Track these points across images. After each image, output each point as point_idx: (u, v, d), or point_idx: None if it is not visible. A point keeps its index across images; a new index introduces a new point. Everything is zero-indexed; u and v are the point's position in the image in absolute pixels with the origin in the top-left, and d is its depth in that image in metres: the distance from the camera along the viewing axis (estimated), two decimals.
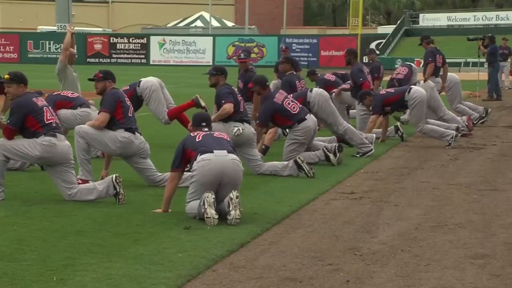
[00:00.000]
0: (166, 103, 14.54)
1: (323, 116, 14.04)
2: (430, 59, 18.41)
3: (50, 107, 9.50)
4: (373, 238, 7.79)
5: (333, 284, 6.25)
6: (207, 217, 8.07)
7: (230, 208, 8.15)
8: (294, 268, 6.67)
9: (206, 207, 8.10)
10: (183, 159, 8.63)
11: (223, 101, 11.63)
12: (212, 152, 8.43)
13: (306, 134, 12.49)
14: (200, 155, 8.42)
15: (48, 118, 9.29)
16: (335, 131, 14.10)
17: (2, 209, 8.73)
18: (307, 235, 7.90)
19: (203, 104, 13.94)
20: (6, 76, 9.34)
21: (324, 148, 12.81)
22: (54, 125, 9.32)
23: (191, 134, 8.81)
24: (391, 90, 16.31)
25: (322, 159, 12.68)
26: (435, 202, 9.85)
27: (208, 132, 8.75)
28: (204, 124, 8.94)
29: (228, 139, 8.83)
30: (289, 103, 12.41)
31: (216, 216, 8.09)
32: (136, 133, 10.30)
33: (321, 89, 14.79)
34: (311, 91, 14.22)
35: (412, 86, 16.17)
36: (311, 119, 12.56)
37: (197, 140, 8.59)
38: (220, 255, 6.96)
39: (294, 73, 16.22)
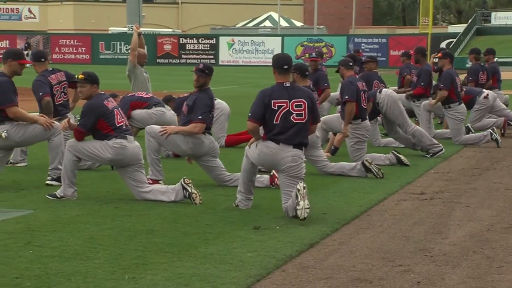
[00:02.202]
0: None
1: (391, 117, 13.94)
2: (470, 78, 18.14)
3: (119, 109, 9.60)
4: (444, 239, 7.70)
5: (403, 285, 6.20)
6: (238, 203, 8.93)
7: (299, 199, 8.15)
8: (364, 269, 6.64)
9: (247, 197, 8.90)
10: (264, 113, 8.55)
11: None
12: (278, 144, 8.53)
13: (366, 132, 12.52)
14: (269, 140, 8.56)
15: (119, 120, 9.40)
16: (404, 132, 13.97)
17: (75, 208, 8.87)
18: (377, 236, 7.85)
19: None
20: (81, 76, 9.49)
21: (394, 151, 12.76)
22: (124, 127, 9.43)
23: (274, 92, 8.57)
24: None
25: (393, 162, 12.59)
26: (508, 203, 9.70)
27: (287, 108, 8.49)
28: (286, 67, 8.66)
29: (306, 117, 8.59)
30: (364, 97, 12.41)
31: (244, 208, 8.87)
32: (206, 133, 10.35)
33: (390, 90, 14.65)
34: (380, 92, 14.13)
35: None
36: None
37: (274, 121, 8.50)
38: (290, 255, 6.96)
39: (377, 72, 16.16)
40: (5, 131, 10.07)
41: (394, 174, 11.70)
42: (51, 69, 11.69)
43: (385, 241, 7.61)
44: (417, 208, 9.34)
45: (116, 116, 9.38)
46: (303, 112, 8.57)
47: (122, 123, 9.42)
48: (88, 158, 9.52)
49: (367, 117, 12.59)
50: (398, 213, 9.02)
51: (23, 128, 10.21)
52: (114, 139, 9.31)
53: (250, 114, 8.63)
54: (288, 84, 8.64)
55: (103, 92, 9.65)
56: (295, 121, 8.53)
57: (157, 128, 10.45)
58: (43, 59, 11.75)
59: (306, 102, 8.61)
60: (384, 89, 14.42)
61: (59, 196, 9.38)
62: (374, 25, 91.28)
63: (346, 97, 12.21)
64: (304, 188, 8.19)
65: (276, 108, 8.51)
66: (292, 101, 8.54)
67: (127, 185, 9.52)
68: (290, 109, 8.52)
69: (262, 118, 8.55)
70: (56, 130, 10.38)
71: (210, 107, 10.34)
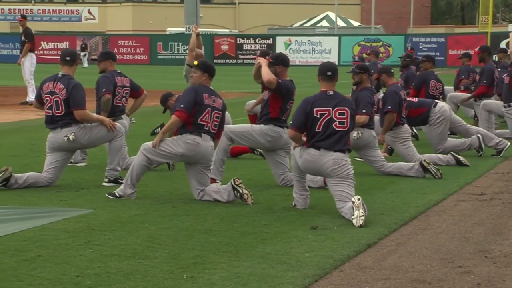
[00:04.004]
0: None
1: (433, 131, 13.82)
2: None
3: (214, 111, 9.48)
4: (504, 241, 7.61)
5: (463, 286, 6.14)
6: (296, 202, 8.96)
7: (354, 210, 8.15)
8: (422, 270, 6.59)
9: (300, 194, 8.93)
10: (306, 122, 8.71)
11: (363, 110, 11.43)
12: (319, 150, 8.64)
13: (408, 133, 12.53)
14: (310, 147, 8.69)
15: (203, 119, 9.39)
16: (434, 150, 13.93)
17: (133, 208, 8.96)
18: (436, 236, 7.79)
19: None
20: (196, 62, 9.75)
21: (453, 152, 12.64)
22: (206, 128, 9.43)
23: (317, 100, 8.74)
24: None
25: (452, 163, 12.44)
26: None
27: (330, 116, 8.64)
28: (329, 73, 8.86)
29: (348, 125, 8.74)
30: (404, 106, 12.36)
31: (301, 208, 8.90)
32: (284, 127, 10.37)
33: (447, 107, 14.22)
34: (434, 106, 13.85)
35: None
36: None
37: (316, 129, 8.65)
38: (347, 256, 6.94)
39: (434, 72, 15.98)
40: (72, 134, 10.26)
41: (453, 174, 11.59)
42: (119, 71, 11.88)
43: (444, 242, 7.54)
44: (477, 209, 9.24)
45: (204, 113, 9.40)
46: (345, 120, 8.72)
47: (204, 123, 9.39)
48: (161, 157, 9.48)
49: (405, 121, 12.51)
50: (457, 213, 8.94)
51: (89, 131, 10.37)
52: (188, 135, 9.36)
53: (291, 122, 8.83)
54: (331, 93, 8.80)
55: (211, 88, 9.70)
56: (337, 129, 8.68)
57: (233, 127, 10.61)
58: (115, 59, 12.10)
59: (349, 111, 8.76)
60: (439, 104, 13.99)
61: (118, 196, 9.47)
62: (432, 24, 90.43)
63: (389, 107, 12.17)
64: (358, 199, 8.21)
65: (318, 116, 8.67)
66: (335, 109, 8.70)
67: (189, 183, 9.55)
68: (333, 117, 8.68)
69: (303, 127, 8.72)
70: (119, 132, 10.52)
71: (285, 96, 10.34)
